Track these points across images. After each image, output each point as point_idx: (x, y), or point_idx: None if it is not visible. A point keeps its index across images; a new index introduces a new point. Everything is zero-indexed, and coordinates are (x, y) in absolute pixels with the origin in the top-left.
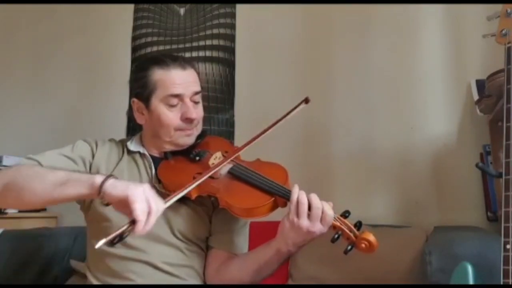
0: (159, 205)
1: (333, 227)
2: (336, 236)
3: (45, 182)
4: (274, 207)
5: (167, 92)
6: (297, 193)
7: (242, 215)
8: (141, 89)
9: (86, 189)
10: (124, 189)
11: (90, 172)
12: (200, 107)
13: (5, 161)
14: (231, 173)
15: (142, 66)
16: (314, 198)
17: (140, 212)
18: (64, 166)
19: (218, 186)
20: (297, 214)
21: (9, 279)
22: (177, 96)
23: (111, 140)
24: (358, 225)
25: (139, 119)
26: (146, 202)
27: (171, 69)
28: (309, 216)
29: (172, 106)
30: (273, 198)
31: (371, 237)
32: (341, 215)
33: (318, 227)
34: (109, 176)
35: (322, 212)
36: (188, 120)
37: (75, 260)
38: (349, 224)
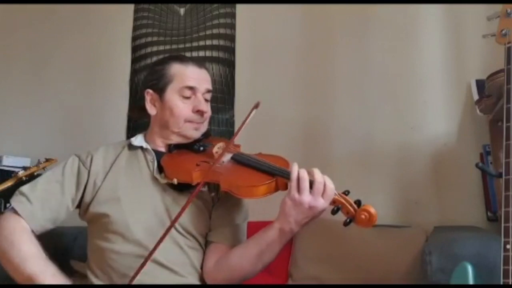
0: None
1: (334, 201)
2: (336, 209)
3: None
4: (275, 187)
5: (183, 84)
6: (297, 170)
7: (243, 195)
8: (157, 80)
9: None
10: None
11: (85, 188)
12: (209, 106)
13: (5, 161)
14: (234, 159)
15: (161, 61)
16: (317, 172)
17: None
18: (58, 196)
19: (220, 171)
20: (298, 190)
21: (9, 279)
22: (191, 88)
23: (107, 145)
24: (358, 202)
25: (151, 110)
26: None
27: (188, 65)
28: (311, 191)
29: (185, 98)
30: (274, 178)
31: (372, 209)
32: (342, 193)
33: (320, 202)
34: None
35: (324, 186)
36: (199, 113)
37: (75, 260)
38: (350, 200)
